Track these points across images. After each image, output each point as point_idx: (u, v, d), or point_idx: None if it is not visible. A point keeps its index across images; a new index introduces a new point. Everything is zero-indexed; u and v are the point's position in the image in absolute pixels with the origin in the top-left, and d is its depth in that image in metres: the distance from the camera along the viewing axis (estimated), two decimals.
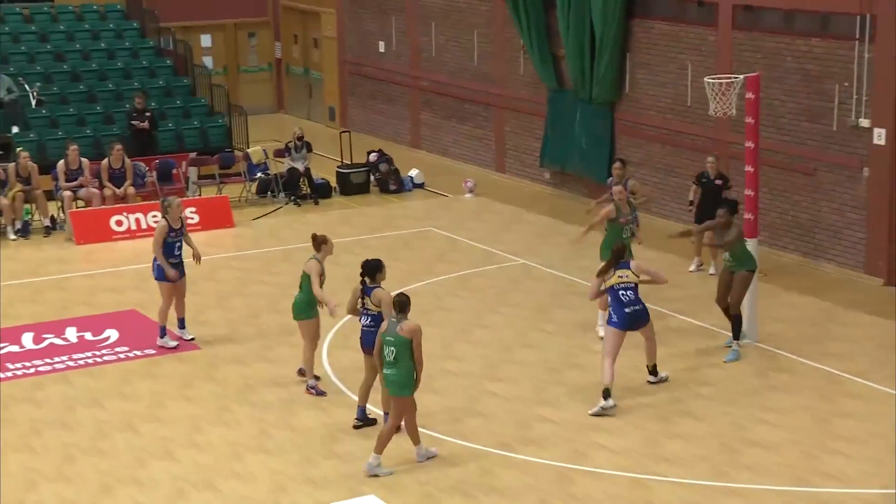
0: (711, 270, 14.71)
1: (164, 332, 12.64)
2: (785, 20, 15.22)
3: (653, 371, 11.59)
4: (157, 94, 20.94)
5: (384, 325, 9.76)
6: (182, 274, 12.69)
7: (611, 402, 10.86)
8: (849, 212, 14.72)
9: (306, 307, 11.41)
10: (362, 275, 10.31)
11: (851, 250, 14.74)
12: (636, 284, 11.13)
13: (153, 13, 23.16)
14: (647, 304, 11.27)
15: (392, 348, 9.60)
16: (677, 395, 11.29)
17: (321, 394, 11.45)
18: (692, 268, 15.10)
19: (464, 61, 20.74)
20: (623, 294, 11.02)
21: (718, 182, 14.55)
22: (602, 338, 12.25)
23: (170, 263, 12.46)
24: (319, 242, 11.48)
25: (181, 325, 12.84)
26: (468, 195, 18.93)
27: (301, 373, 11.79)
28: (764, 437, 10.39)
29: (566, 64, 18.26)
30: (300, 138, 19.12)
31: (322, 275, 11.34)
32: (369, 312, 10.30)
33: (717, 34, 16.06)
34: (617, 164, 14.48)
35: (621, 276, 11.11)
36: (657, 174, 17.21)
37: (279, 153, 19.47)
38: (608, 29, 17.20)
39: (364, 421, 10.61)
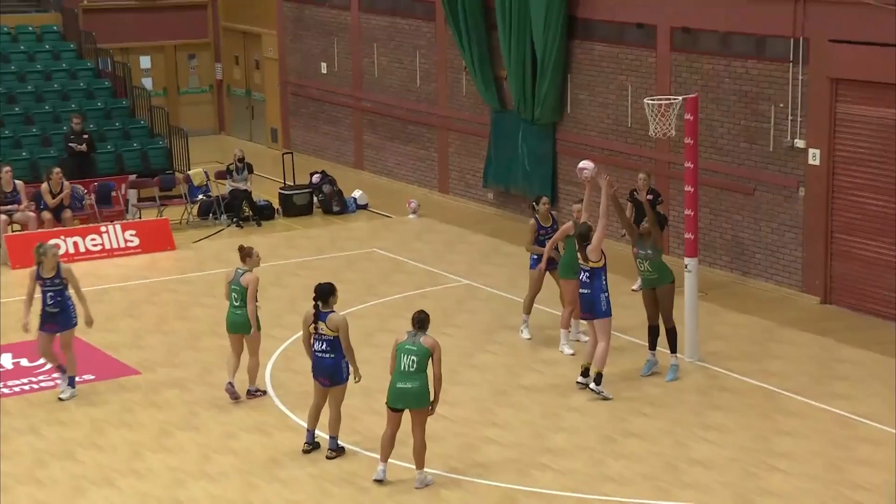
0: (635, 286, 14.85)
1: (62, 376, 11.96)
2: (722, 42, 15.53)
3: (596, 379, 11.58)
4: (96, 116, 20.75)
5: (400, 337, 9.74)
6: (61, 327, 11.67)
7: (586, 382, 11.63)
8: (786, 231, 15.01)
9: (248, 321, 11.48)
10: (315, 299, 10.18)
11: (789, 269, 15.03)
12: (592, 269, 11.47)
13: (90, 34, 22.96)
14: None
15: (413, 357, 9.61)
16: (621, 415, 11.41)
17: (261, 393, 11.68)
18: (635, 287, 15.31)
19: (407, 82, 20.83)
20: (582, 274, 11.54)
21: (649, 197, 14.82)
22: (570, 354, 12.64)
23: (47, 313, 11.59)
24: (245, 254, 11.49)
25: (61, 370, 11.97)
26: (412, 216, 18.99)
27: (251, 394, 11.78)
28: (706, 455, 10.54)
29: (508, 85, 18.43)
30: (241, 160, 19.06)
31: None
32: (324, 337, 10.19)
33: (656, 56, 16.34)
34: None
35: (585, 262, 11.61)
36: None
37: (220, 175, 19.38)
38: (549, 50, 17.40)
39: (313, 445, 10.58)
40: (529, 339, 13.17)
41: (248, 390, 11.80)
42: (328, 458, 10.41)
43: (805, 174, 14.69)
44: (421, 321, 9.73)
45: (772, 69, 14.88)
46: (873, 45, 13.60)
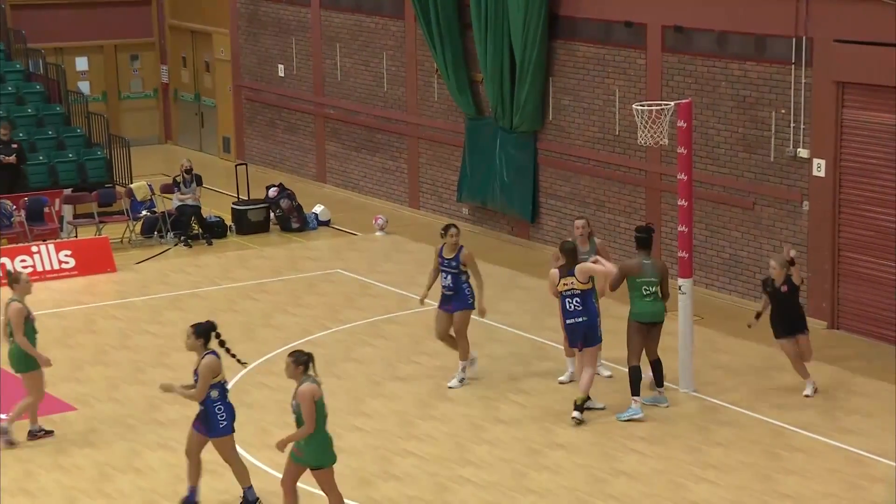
0: None
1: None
2: (718, 42, 15.65)
3: (579, 406, 11.77)
4: (27, 124, 20.63)
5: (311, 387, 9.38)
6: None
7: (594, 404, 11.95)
8: (790, 249, 15.07)
9: (25, 357, 11.36)
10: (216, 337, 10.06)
11: None
12: (583, 292, 11.42)
13: (20, 33, 22.85)
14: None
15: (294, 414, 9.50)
16: (611, 452, 11.38)
17: (44, 434, 11.58)
18: None
19: (373, 87, 20.85)
20: (568, 302, 11.40)
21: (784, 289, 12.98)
22: (608, 376, 12.75)
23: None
24: (12, 280, 11.39)
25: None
26: (379, 233, 18.97)
27: (33, 435, 11.65)
28: (704, 497, 10.53)
29: (485, 89, 18.49)
30: (189, 171, 19.00)
31: (29, 317, 11.36)
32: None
33: (645, 57, 16.44)
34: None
35: (566, 283, 11.54)
36: (586, 209, 17.46)
37: (167, 188, 19.30)
38: (529, 52, 17.48)
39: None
40: (460, 385, 12.89)
41: (30, 430, 11.68)
42: None
43: (809, 186, 14.80)
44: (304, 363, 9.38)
45: (772, 72, 15.01)
46: (882, 46, 13.73)
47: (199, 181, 19.15)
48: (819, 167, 14.62)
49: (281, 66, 22.72)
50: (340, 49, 21.33)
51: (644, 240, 12.04)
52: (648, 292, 11.93)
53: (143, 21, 25.85)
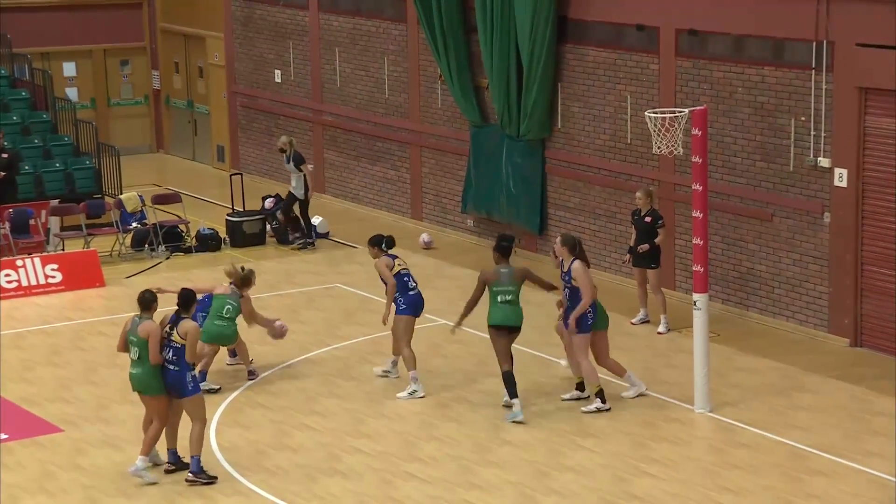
0: (635, 319, 15.32)
1: None
2: (734, 47, 15.69)
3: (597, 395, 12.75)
4: (12, 132, 20.67)
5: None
6: None
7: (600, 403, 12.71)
8: (810, 263, 15.11)
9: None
10: (178, 304, 11.23)
11: (813, 306, 15.11)
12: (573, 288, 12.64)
13: (5, 37, 22.92)
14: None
15: (136, 348, 11.02)
16: (620, 475, 11.39)
17: None
18: (635, 320, 15.42)
19: (374, 93, 20.91)
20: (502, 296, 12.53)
21: (647, 219, 14.96)
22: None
23: None
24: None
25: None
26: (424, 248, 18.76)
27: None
28: None
29: (490, 96, 18.53)
30: (282, 150, 18.97)
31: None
32: (172, 345, 11.08)
33: (659, 62, 16.48)
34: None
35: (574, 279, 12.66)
36: (596, 221, 17.49)
37: (159, 199, 19.34)
38: (536, 56, 17.53)
39: (176, 465, 11.35)
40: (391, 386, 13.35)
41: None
42: (187, 481, 11.00)
43: (831, 197, 14.82)
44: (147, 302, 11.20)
45: (791, 77, 15.04)
46: None
47: (299, 160, 18.89)
48: (841, 177, 14.64)
49: (278, 72, 22.79)
50: (340, 54, 21.39)
51: (507, 248, 12.82)
52: (504, 300, 12.58)
53: (133, 25, 25.92)
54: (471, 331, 14.80)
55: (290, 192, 19.20)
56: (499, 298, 12.63)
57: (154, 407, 11.22)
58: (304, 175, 18.98)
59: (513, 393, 12.57)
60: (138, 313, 11.28)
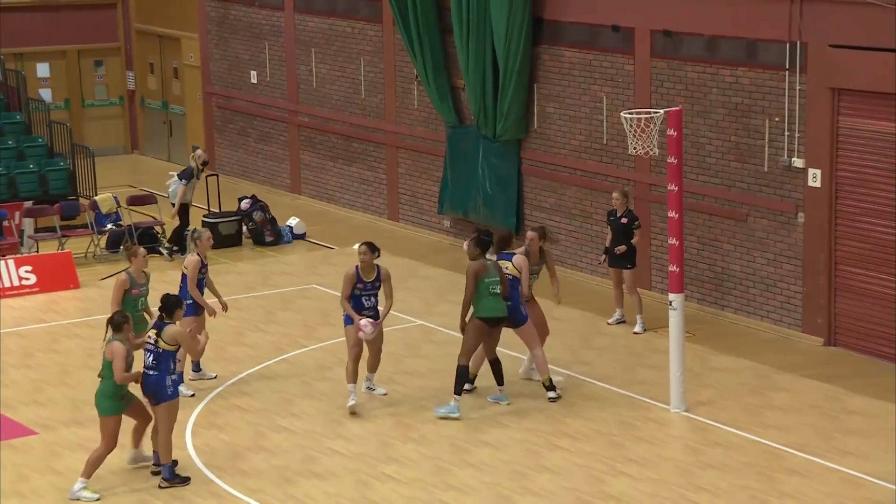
0: (611, 320, 15.40)
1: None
2: (708, 47, 15.76)
3: (549, 386, 12.94)
4: None
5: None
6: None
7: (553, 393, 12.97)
8: (784, 262, 15.20)
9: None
10: (161, 310, 11.27)
11: (787, 306, 15.20)
12: (514, 277, 12.89)
13: None
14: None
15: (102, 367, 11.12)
16: (596, 475, 11.44)
17: None
18: (611, 320, 15.48)
19: (350, 94, 20.90)
20: (493, 288, 12.63)
21: (624, 220, 15.03)
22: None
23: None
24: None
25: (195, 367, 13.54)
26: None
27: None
28: None
29: (466, 96, 18.56)
30: (206, 163, 18.85)
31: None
32: (158, 350, 11.11)
33: (634, 63, 16.54)
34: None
35: (505, 268, 12.90)
36: (572, 221, 17.54)
37: (134, 200, 19.28)
38: (512, 57, 17.56)
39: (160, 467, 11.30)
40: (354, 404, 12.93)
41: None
42: (160, 487, 11.07)
43: (804, 197, 14.91)
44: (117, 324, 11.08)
45: (765, 78, 15.13)
46: (879, 51, 13.86)
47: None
48: (814, 177, 14.74)
49: (253, 73, 22.75)
50: (315, 54, 21.37)
51: (487, 243, 13.02)
52: (494, 291, 12.67)
53: (107, 25, 25.83)
54: (446, 331, 14.85)
55: (185, 204, 18.70)
56: (489, 290, 12.68)
57: (102, 427, 11.13)
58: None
59: (458, 391, 12.64)
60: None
